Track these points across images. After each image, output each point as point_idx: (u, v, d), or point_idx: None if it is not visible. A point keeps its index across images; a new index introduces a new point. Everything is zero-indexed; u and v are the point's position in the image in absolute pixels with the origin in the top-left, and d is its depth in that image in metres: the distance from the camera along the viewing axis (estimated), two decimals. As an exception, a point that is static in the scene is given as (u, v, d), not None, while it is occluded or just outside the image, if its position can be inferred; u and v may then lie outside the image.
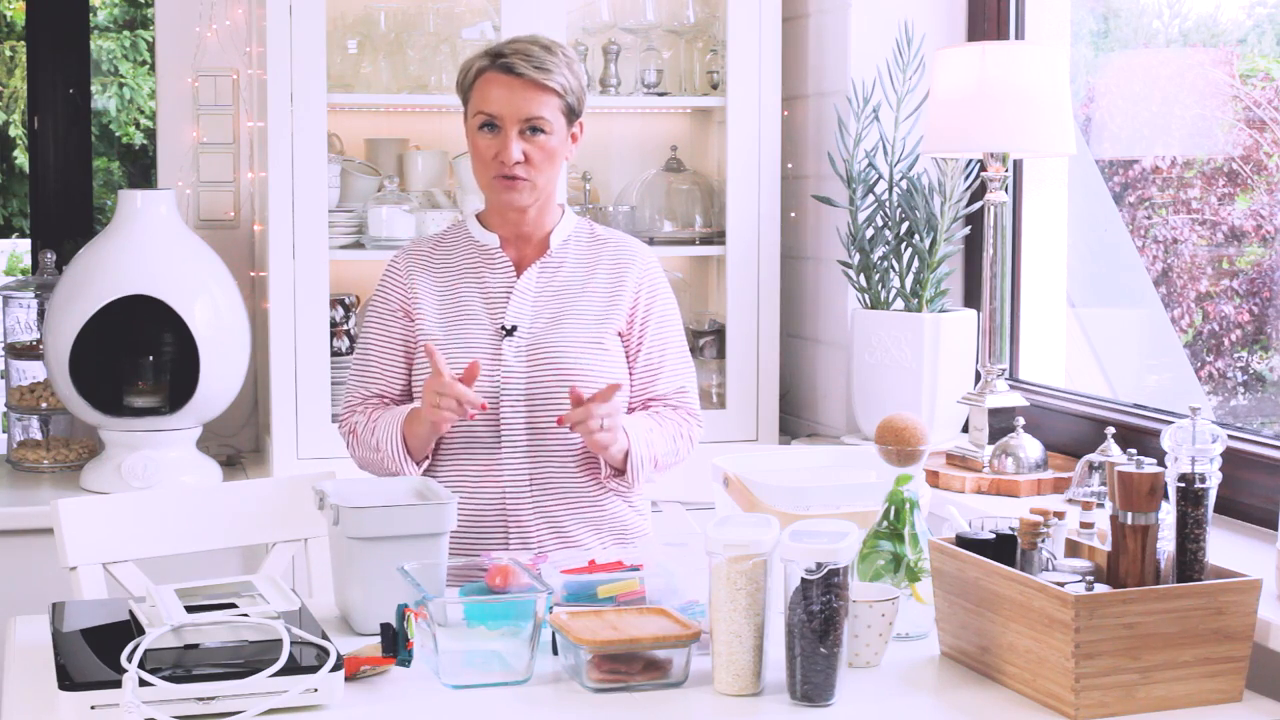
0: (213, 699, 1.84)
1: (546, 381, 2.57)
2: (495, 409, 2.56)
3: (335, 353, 3.51)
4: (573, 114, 2.60)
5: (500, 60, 2.56)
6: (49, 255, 3.76)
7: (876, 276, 3.46)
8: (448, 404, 2.43)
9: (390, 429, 2.56)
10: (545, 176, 2.58)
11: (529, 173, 2.56)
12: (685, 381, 2.70)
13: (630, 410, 2.66)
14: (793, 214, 3.81)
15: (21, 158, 8.67)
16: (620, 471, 2.57)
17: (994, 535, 2.12)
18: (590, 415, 2.42)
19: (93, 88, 4.29)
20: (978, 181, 3.34)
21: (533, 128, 2.55)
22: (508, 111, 2.54)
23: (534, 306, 2.62)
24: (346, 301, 3.66)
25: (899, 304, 3.47)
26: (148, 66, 8.77)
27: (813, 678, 1.93)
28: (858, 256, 3.47)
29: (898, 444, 2.28)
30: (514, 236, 2.66)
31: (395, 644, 1.98)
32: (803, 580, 1.92)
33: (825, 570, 1.92)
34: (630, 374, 2.66)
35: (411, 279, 2.66)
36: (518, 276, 2.64)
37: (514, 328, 2.58)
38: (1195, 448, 2.02)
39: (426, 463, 2.60)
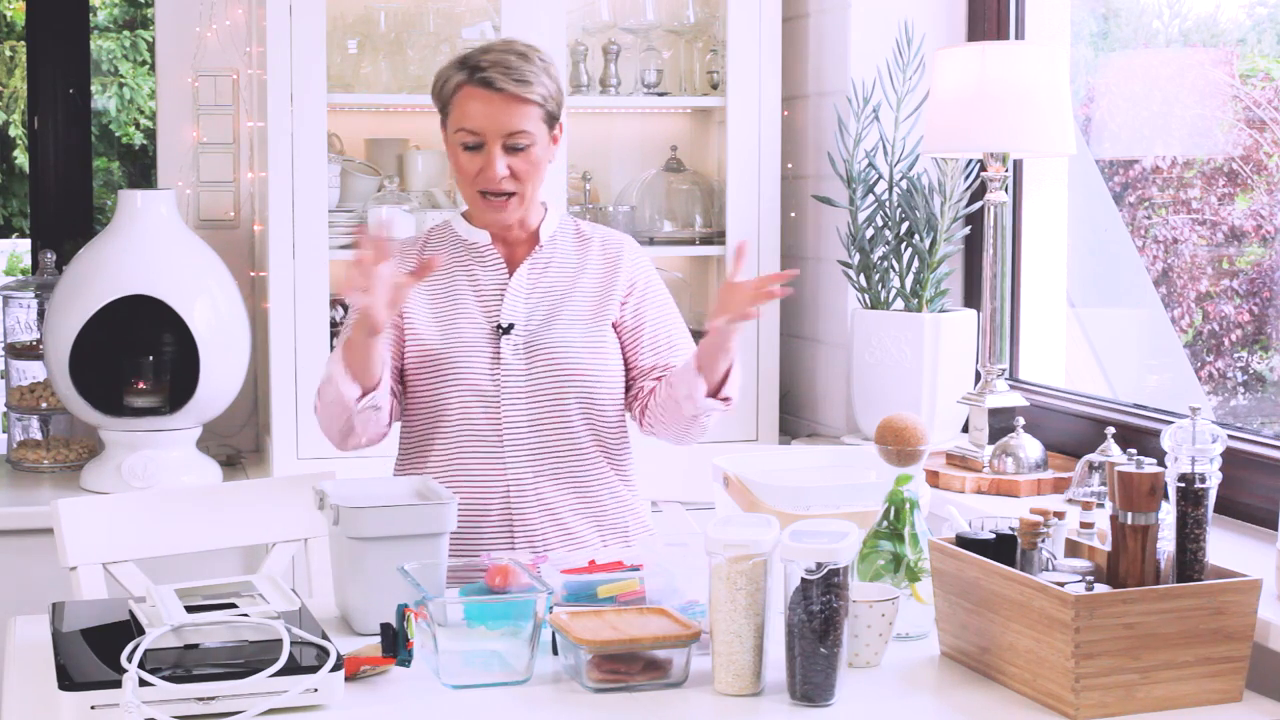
0: (213, 699, 1.84)
1: (547, 378, 2.57)
2: (497, 408, 2.56)
3: (335, 353, 3.51)
4: (553, 119, 2.58)
5: (479, 75, 2.52)
6: (49, 255, 3.76)
7: (876, 276, 3.46)
8: (362, 271, 2.30)
9: (334, 353, 2.47)
10: (531, 186, 2.57)
11: (515, 186, 2.55)
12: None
13: (635, 386, 2.64)
14: (793, 214, 3.81)
15: (21, 158, 8.66)
16: (718, 388, 2.51)
17: (994, 535, 2.12)
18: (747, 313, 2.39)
19: (93, 88, 4.28)
20: (978, 181, 3.34)
21: (514, 145, 2.53)
22: (489, 128, 2.52)
23: (528, 303, 2.62)
24: (346, 301, 3.65)
25: (899, 304, 3.46)
26: (148, 66, 8.76)
27: (813, 678, 1.93)
28: (858, 256, 3.47)
29: (898, 444, 2.28)
30: (502, 233, 2.66)
31: (395, 644, 1.98)
32: (803, 580, 1.92)
33: (825, 570, 1.92)
34: (636, 354, 2.65)
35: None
36: (510, 274, 2.64)
37: (510, 326, 2.58)
38: (1195, 448, 2.02)
39: (375, 394, 2.46)
